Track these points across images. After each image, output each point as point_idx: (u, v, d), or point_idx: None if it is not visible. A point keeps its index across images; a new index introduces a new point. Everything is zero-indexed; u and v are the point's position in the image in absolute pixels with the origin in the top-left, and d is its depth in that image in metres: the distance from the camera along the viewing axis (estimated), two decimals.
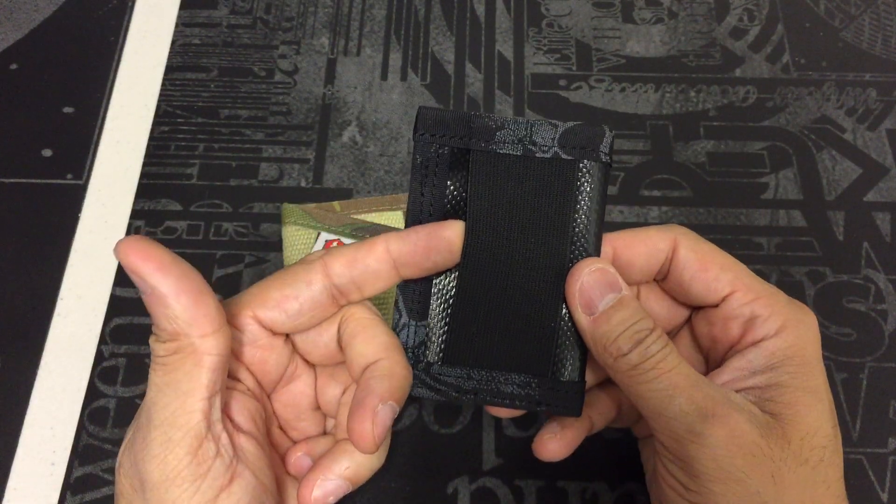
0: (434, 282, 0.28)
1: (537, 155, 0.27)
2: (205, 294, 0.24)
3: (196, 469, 0.24)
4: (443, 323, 0.28)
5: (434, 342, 0.28)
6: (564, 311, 0.28)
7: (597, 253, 0.28)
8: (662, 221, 0.44)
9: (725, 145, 0.46)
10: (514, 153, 0.27)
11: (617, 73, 0.49)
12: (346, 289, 0.27)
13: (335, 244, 0.39)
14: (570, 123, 0.28)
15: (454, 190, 0.28)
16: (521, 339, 0.28)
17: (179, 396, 0.23)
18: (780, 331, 0.27)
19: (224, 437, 0.25)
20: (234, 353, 0.27)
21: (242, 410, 0.26)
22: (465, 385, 0.28)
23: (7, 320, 0.41)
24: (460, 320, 0.28)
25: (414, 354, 0.28)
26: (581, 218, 0.28)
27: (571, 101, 0.48)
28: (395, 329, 0.28)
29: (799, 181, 0.45)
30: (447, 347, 0.28)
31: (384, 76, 0.49)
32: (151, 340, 0.24)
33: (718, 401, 0.25)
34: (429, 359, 0.28)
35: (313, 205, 0.42)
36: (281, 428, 0.29)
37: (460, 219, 0.27)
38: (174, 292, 0.23)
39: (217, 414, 0.24)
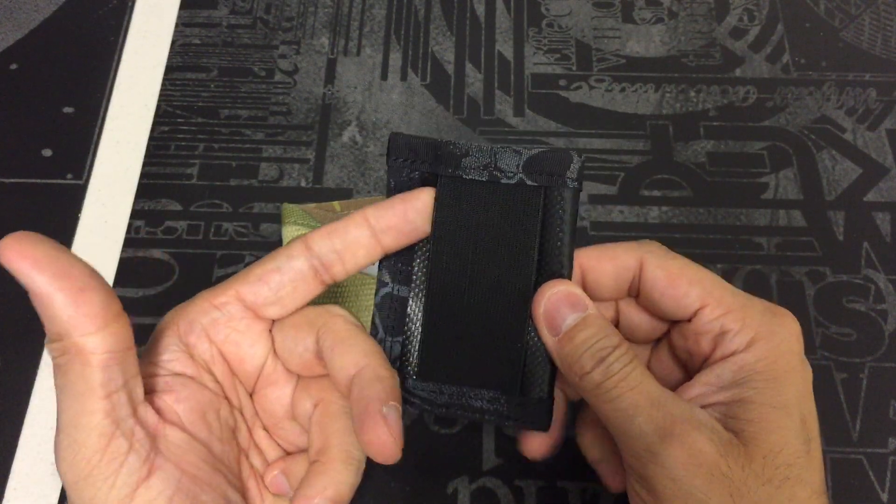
0: (409, 299, 0.29)
1: (502, 181, 0.28)
2: (87, 290, 0.23)
3: (107, 467, 0.23)
4: (416, 339, 0.29)
5: (409, 357, 0.29)
6: (532, 334, 0.28)
7: (567, 276, 0.28)
8: (662, 221, 0.44)
9: (725, 145, 0.46)
10: (480, 179, 0.28)
11: (617, 73, 0.49)
12: (328, 261, 0.27)
13: None
14: (536, 150, 0.28)
15: None
16: (490, 357, 0.28)
17: (76, 398, 0.23)
18: (750, 344, 0.27)
19: (138, 431, 0.24)
20: (207, 336, 0.27)
21: (186, 401, 0.26)
22: (437, 399, 0.29)
23: (7, 320, 0.41)
24: (431, 338, 0.29)
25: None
26: (549, 242, 0.28)
27: (571, 101, 0.48)
28: None
29: (799, 181, 0.45)
30: (420, 363, 0.29)
31: (384, 76, 0.49)
32: (45, 342, 0.24)
33: (678, 419, 0.25)
34: (404, 373, 0.29)
35: (313, 205, 0.42)
36: (266, 430, 0.29)
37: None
38: (47, 292, 0.22)
39: (125, 409, 0.24)
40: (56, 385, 0.24)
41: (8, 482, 0.37)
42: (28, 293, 0.23)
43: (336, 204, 0.42)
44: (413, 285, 0.29)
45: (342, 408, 0.27)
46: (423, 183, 0.29)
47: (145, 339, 0.41)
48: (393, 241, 0.28)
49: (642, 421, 0.25)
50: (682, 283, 0.28)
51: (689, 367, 0.29)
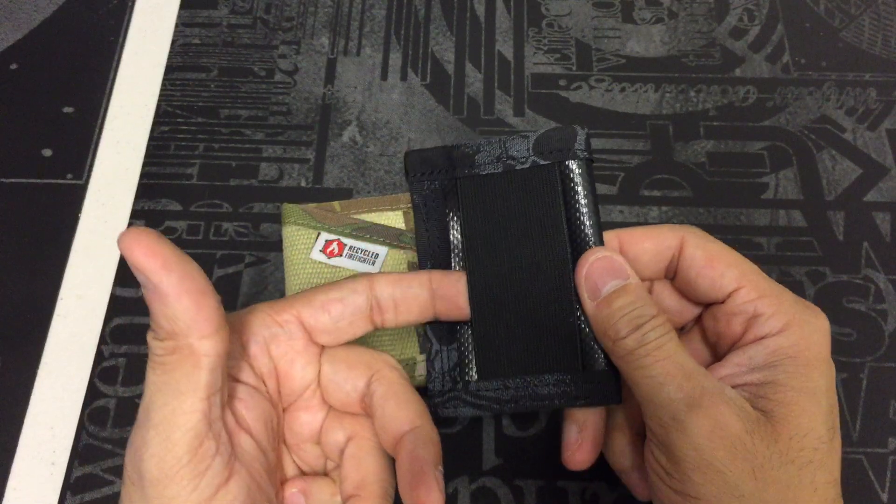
0: None
1: (517, 168, 0.29)
2: (207, 295, 0.23)
3: (196, 467, 0.24)
4: (470, 342, 0.29)
5: (467, 361, 0.29)
6: (581, 306, 0.29)
7: (599, 243, 0.29)
8: (662, 221, 0.44)
9: (725, 145, 0.46)
10: (496, 171, 0.29)
11: (617, 73, 0.49)
12: (385, 305, 0.28)
13: (335, 244, 0.40)
14: (542, 130, 0.29)
15: (454, 217, 0.30)
16: (545, 341, 0.29)
17: (178, 396, 0.24)
18: (783, 329, 0.27)
19: (224, 435, 0.25)
20: (268, 350, 0.27)
21: (254, 409, 0.27)
22: (504, 395, 0.29)
23: (7, 320, 0.41)
24: (484, 336, 0.29)
25: (451, 377, 0.29)
26: (574, 215, 0.29)
27: (571, 101, 0.48)
28: (429, 358, 0.29)
29: (799, 181, 0.45)
30: (479, 364, 0.29)
31: (384, 76, 0.49)
32: (149, 337, 0.24)
33: (708, 392, 0.25)
34: (466, 378, 0.29)
35: (313, 205, 0.42)
36: (286, 446, 0.30)
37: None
38: (176, 292, 0.23)
39: (217, 412, 0.24)
40: (152, 381, 0.24)
41: (8, 482, 0.37)
42: (142, 288, 0.23)
43: (336, 204, 0.42)
44: None
45: (377, 447, 0.28)
46: (444, 190, 0.30)
47: (145, 339, 0.41)
48: (445, 309, 0.29)
49: (672, 389, 0.26)
50: (720, 264, 0.28)
51: (719, 352, 0.30)
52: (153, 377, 0.24)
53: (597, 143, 0.46)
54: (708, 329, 0.30)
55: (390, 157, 0.46)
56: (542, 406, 0.28)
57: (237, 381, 0.27)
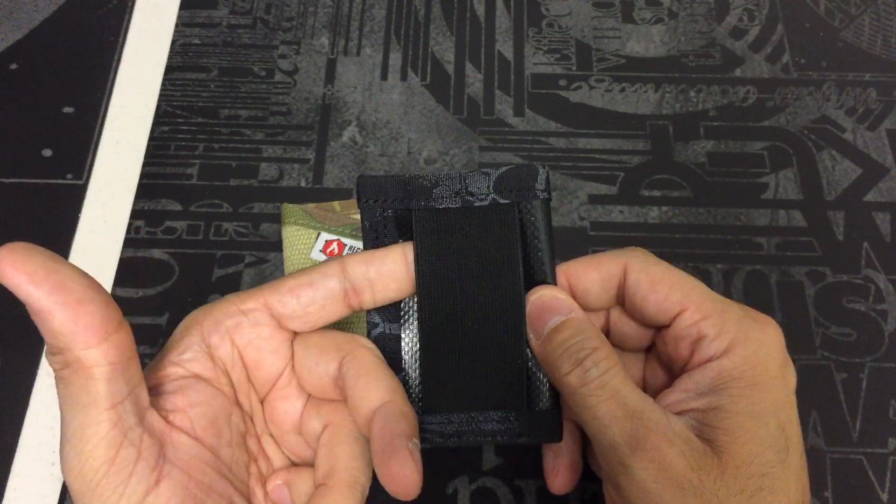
0: (401, 336, 0.29)
1: (476, 204, 0.29)
2: (85, 303, 0.22)
3: (116, 476, 0.23)
4: (416, 374, 0.29)
5: (412, 393, 0.29)
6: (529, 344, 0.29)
7: (552, 283, 0.29)
8: (662, 221, 0.44)
9: (725, 145, 0.46)
10: (454, 206, 0.29)
11: (617, 73, 0.49)
12: (359, 286, 0.27)
13: (335, 244, 0.40)
14: (503, 168, 0.29)
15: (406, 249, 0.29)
16: (493, 377, 0.28)
17: (82, 410, 0.23)
18: (728, 350, 0.27)
19: (146, 438, 0.24)
20: (230, 338, 0.27)
21: (199, 406, 0.26)
22: (447, 430, 0.28)
23: (7, 320, 0.41)
24: (431, 369, 0.28)
25: None
26: (531, 255, 0.28)
27: (571, 101, 0.48)
28: None
29: (799, 181, 0.45)
30: (424, 397, 0.29)
31: (384, 76, 0.49)
32: (45, 353, 0.24)
33: (652, 431, 0.25)
34: None
35: (313, 205, 0.42)
36: (273, 438, 0.29)
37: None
38: (47, 307, 0.22)
39: (132, 419, 0.24)
40: (59, 396, 0.23)
41: (8, 482, 0.37)
42: (25, 307, 0.22)
43: (336, 204, 0.42)
44: (402, 321, 0.29)
45: (351, 433, 0.27)
46: (397, 219, 0.29)
47: (145, 339, 0.41)
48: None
49: (616, 432, 0.25)
50: (663, 287, 0.28)
51: (673, 374, 0.29)
52: (58, 392, 0.23)
53: (597, 144, 0.46)
54: (661, 353, 0.30)
55: (390, 157, 0.46)
56: (486, 441, 0.28)
57: (190, 375, 0.26)
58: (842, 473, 0.37)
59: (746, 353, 0.26)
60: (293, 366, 0.28)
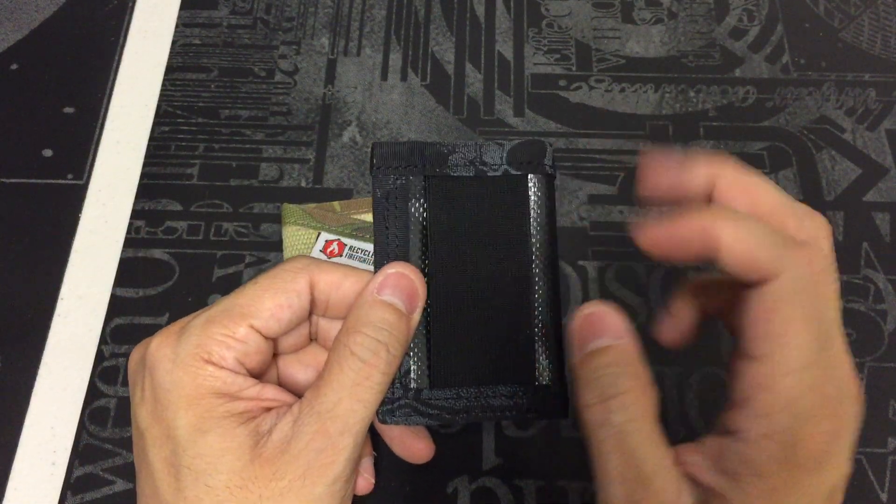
0: None
1: (489, 174, 0.29)
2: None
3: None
4: (424, 349, 0.28)
5: (419, 369, 0.28)
6: (538, 318, 0.28)
7: (551, 260, 0.29)
8: None
9: (725, 145, 0.46)
10: (468, 175, 0.29)
11: (617, 74, 0.49)
12: (321, 305, 0.29)
13: (335, 244, 0.40)
14: (515, 141, 0.29)
15: (419, 218, 0.29)
16: (501, 351, 0.28)
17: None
18: (763, 437, 0.23)
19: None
20: (243, 368, 0.27)
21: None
22: (456, 405, 0.28)
23: (7, 320, 0.41)
24: (439, 343, 0.28)
25: (402, 384, 0.28)
26: (535, 227, 0.29)
27: (571, 101, 0.48)
28: None
29: (798, 181, 0.45)
30: (432, 372, 0.28)
31: (384, 76, 0.49)
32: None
33: (653, 500, 0.23)
34: (417, 385, 0.28)
35: (313, 205, 0.42)
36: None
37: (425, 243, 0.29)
38: None
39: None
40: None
41: (8, 482, 0.37)
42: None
43: (336, 204, 0.42)
44: None
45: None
46: (411, 187, 0.29)
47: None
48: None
49: (618, 492, 0.24)
50: (783, 325, 0.24)
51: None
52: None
53: (597, 144, 0.46)
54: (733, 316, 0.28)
55: None
56: (494, 418, 0.28)
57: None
58: None
59: (778, 453, 0.23)
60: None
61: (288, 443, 0.25)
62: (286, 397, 0.28)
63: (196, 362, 0.26)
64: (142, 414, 0.26)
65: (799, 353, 0.23)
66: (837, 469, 0.24)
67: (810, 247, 0.25)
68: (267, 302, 0.27)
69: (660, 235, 0.26)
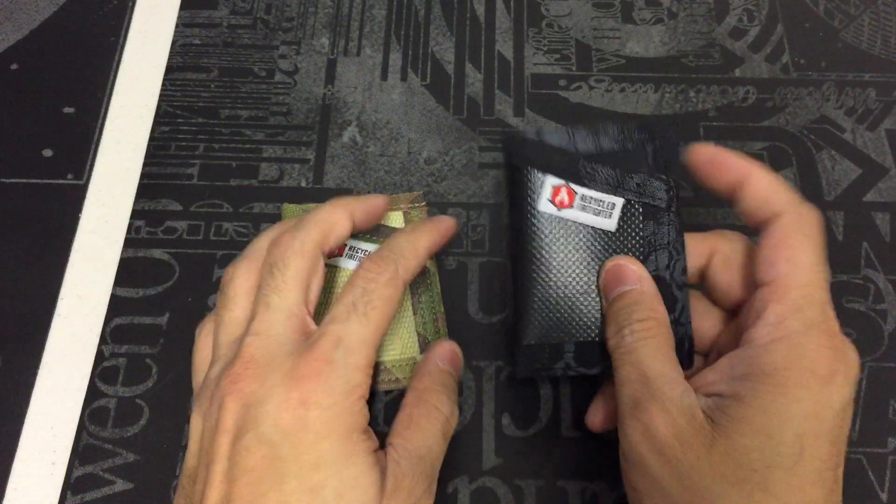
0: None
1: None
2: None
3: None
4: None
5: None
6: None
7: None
8: None
9: (725, 145, 0.46)
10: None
11: (617, 74, 0.49)
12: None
13: None
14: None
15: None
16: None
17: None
18: (773, 342, 0.27)
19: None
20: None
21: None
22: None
23: (7, 320, 0.41)
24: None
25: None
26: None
27: (571, 101, 0.48)
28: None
29: (798, 181, 0.45)
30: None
31: (384, 76, 0.49)
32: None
33: (651, 397, 0.27)
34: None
35: (313, 205, 0.42)
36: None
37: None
38: None
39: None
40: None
41: (8, 482, 0.37)
42: None
43: None
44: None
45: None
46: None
47: (146, 339, 0.41)
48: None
49: (626, 392, 0.28)
50: (787, 250, 0.29)
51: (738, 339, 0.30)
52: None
53: None
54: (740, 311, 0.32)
55: (390, 158, 0.46)
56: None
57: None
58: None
59: (788, 354, 0.26)
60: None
61: (401, 479, 0.28)
62: None
63: (353, 399, 0.28)
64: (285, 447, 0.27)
65: (807, 271, 0.28)
66: (845, 387, 0.26)
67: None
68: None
69: (711, 157, 0.32)
